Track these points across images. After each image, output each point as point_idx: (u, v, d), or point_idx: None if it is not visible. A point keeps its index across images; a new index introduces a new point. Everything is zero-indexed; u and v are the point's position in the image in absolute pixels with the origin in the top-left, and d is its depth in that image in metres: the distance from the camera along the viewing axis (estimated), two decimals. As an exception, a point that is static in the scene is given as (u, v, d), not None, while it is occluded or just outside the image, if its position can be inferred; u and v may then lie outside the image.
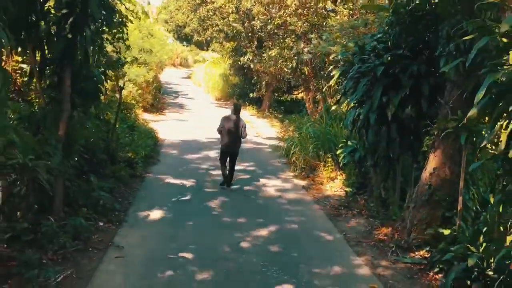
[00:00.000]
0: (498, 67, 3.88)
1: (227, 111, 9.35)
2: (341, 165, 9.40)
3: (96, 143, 7.62)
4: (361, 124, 7.18)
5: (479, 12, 5.22)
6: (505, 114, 3.84)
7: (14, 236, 4.92)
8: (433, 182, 5.99)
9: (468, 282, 4.67)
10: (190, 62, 41.09)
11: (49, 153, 5.30)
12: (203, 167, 10.53)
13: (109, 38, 7.62)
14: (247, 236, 6.34)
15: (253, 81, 20.70)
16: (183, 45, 42.63)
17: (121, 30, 7.70)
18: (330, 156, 10.12)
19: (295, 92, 21.68)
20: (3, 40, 3.28)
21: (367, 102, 6.87)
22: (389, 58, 6.66)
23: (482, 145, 4.03)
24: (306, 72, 15.37)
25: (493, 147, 4.38)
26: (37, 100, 7.19)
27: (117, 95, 9.81)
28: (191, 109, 20.83)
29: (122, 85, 8.59)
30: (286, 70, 15.97)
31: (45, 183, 4.60)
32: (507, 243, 4.28)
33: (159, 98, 20.80)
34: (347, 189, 8.79)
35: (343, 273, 5.37)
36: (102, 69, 7.24)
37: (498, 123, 3.90)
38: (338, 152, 9.21)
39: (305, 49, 14.14)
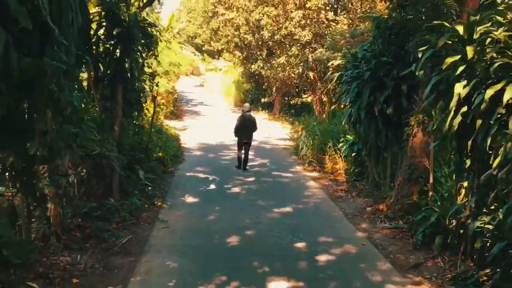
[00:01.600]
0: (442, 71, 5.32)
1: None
2: (343, 156, 10.84)
3: (136, 143, 9.18)
4: (355, 120, 8.64)
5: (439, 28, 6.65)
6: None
7: (86, 212, 6.48)
8: (412, 164, 7.42)
9: (434, 237, 6.10)
10: (201, 70, 42.59)
11: (107, 149, 6.86)
12: (223, 164, 12.09)
13: (144, 55, 9.15)
14: (264, 214, 7.81)
15: (264, 86, 22.11)
16: (195, 55, 44.31)
17: (153, 48, 9.21)
18: (333, 150, 11.58)
19: (304, 96, 23.03)
20: (89, 62, 4.82)
21: (358, 101, 8.33)
22: (375, 64, 8.12)
23: (433, 128, 5.44)
24: (312, 77, 16.81)
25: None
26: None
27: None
28: (207, 115, 22.26)
29: (155, 95, 10.14)
30: (293, 75, 17.43)
31: (117, 168, 6.17)
32: (458, 202, 5.69)
33: (178, 106, 22.35)
34: (348, 177, 10.23)
35: (341, 237, 6.81)
36: (139, 82, 8.79)
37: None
38: (339, 145, 10.65)
39: (310, 57, 15.62)
